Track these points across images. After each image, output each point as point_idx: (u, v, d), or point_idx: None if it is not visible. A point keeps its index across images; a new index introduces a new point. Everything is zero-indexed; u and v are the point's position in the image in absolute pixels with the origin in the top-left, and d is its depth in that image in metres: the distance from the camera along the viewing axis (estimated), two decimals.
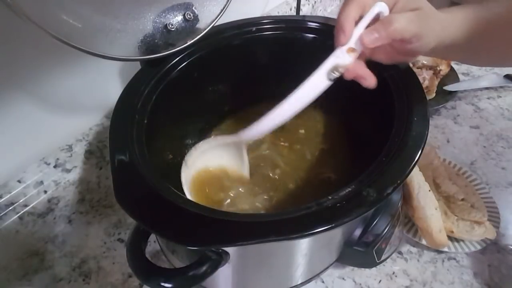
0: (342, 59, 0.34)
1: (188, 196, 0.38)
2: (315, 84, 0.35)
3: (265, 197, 0.45)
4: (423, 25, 0.33)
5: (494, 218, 0.48)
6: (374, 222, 0.38)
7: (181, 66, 0.44)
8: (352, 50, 0.34)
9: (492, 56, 0.40)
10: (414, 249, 0.47)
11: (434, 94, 0.65)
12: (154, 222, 0.28)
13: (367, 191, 0.28)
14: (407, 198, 0.46)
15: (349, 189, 0.29)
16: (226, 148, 0.42)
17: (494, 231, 0.46)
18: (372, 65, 0.42)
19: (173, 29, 0.42)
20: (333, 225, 0.27)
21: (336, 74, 0.35)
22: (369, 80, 0.35)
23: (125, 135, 0.35)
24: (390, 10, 0.34)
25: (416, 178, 0.46)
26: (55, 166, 0.46)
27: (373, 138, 0.39)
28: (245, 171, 0.43)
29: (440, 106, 0.65)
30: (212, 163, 0.42)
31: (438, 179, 0.51)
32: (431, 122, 0.36)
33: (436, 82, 0.67)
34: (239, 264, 0.33)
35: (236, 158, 0.42)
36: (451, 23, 0.35)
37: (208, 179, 0.42)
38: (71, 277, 0.45)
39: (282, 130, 0.53)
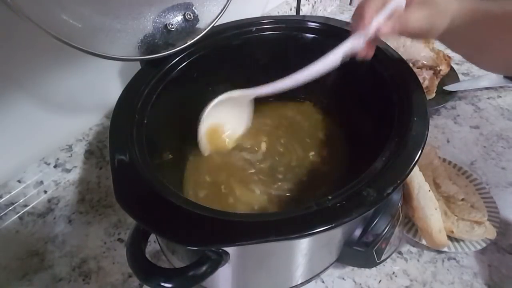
0: (358, 43, 0.38)
1: (203, 148, 0.46)
2: (328, 63, 0.39)
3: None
4: (433, 21, 0.36)
5: (494, 218, 0.48)
6: (374, 222, 0.38)
7: (181, 66, 0.44)
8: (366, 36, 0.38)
9: (495, 58, 0.41)
10: (414, 249, 0.47)
11: (434, 94, 0.65)
12: (154, 222, 0.28)
13: (367, 191, 0.28)
14: (407, 198, 0.46)
15: (349, 189, 0.29)
16: (234, 101, 0.45)
17: (494, 231, 0.46)
18: (372, 65, 0.42)
19: (173, 29, 0.42)
20: (333, 225, 0.27)
21: (348, 55, 0.39)
22: (369, 55, 0.40)
23: (125, 135, 0.35)
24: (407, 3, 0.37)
25: (416, 178, 0.46)
26: (55, 166, 0.46)
27: (373, 138, 0.39)
28: (244, 124, 0.49)
29: (440, 106, 0.65)
30: (219, 117, 0.46)
31: (438, 179, 0.51)
32: (431, 122, 0.36)
33: (436, 82, 0.67)
34: (239, 264, 0.33)
35: (240, 112, 0.48)
36: (459, 14, 0.36)
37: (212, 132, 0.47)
38: (71, 277, 0.45)
39: (280, 129, 0.53)
